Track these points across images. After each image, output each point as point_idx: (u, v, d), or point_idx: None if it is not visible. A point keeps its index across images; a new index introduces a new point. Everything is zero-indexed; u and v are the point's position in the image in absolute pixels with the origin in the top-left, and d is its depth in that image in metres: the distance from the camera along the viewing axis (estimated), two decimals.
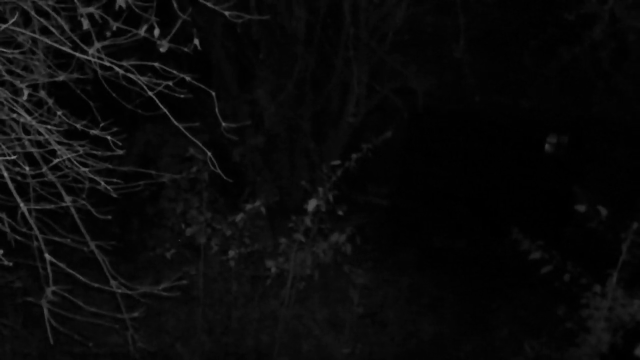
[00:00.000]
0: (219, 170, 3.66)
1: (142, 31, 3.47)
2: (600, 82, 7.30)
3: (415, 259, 9.44)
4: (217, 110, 3.49)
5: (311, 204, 5.04)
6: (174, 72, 3.43)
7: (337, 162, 5.09)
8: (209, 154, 3.57)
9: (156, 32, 3.46)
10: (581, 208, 5.65)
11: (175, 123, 3.54)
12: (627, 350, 5.20)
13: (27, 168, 3.31)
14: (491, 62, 8.13)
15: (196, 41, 3.62)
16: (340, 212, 5.21)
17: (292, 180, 7.47)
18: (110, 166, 3.52)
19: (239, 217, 5.19)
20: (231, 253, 5.22)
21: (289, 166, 8.38)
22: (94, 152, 3.26)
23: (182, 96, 3.44)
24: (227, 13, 3.47)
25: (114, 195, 3.57)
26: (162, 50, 3.59)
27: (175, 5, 3.20)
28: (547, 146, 12.68)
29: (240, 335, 5.82)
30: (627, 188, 8.45)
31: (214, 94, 3.50)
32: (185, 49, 3.64)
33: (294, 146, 8.51)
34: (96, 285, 3.61)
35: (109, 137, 3.18)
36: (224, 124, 3.53)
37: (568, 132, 11.91)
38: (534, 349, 5.68)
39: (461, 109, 10.06)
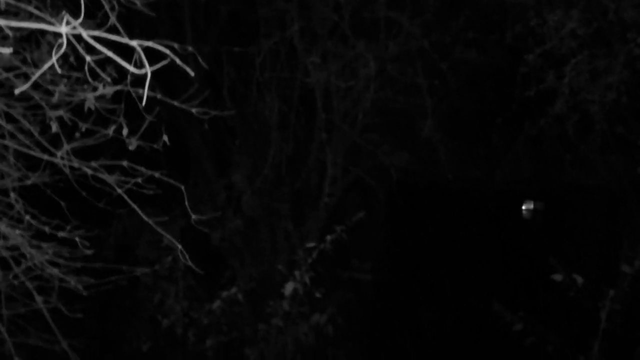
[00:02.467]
0: (189, 263, 3.68)
1: (110, 131, 3.57)
2: (568, 153, 7.51)
3: (401, 336, 9.33)
4: (186, 202, 3.55)
5: (288, 288, 5.04)
6: (142, 169, 3.52)
7: (312, 245, 5.14)
8: (180, 247, 3.60)
9: (125, 131, 3.57)
10: (557, 277, 5.71)
11: (145, 218, 3.60)
12: None
13: None
14: (461, 140, 8.36)
15: (165, 138, 3.72)
16: (317, 294, 5.20)
17: (271, 264, 7.48)
18: (79, 265, 3.53)
19: (216, 304, 5.16)
20: (209, 342, 5.15)
21: (269, 249, 8.40)
22: (63, 253, 3.27)
23: (151, 192, 3.51)
24: (193, 110, 3.60)
25: (84, 294, 3.57)
26: (131, 148, 3.69)
27: (141, 107, 3.32)
28: (524, 212, 12.83)
29: None
30: (602, 255, 8.54)
31: (183, 187, 3.57)
32: (155, 146, 3.74)
33: (273, 229, 8.56)
34: None
35: (77, 239, 3.21)
36: (193, 216, 3.58)
37: (544, 199, 12.10)
38: None
39: (437, 183, 10.23)
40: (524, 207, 12.96)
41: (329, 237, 5.23)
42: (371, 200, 10.51)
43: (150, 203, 4.21)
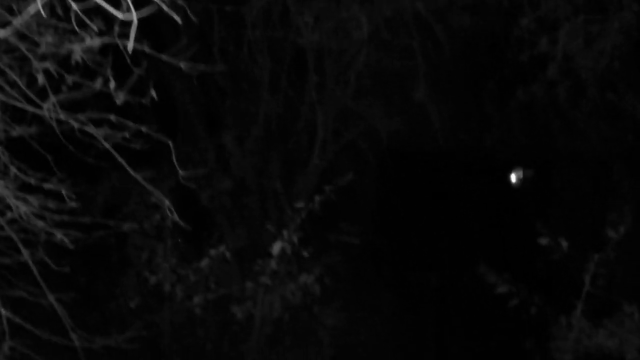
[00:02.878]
0: (177, 218, 3.68)
1: (98, 84, 3.53)
2: (558, 120, 7.51)
3: (389, 298, 9.45)
4: (174, 158, 3.52)
5: (276, 247, 5.07)
6: (130, 123, 3.49)
7: (300, 205, 5.15)
8: (167, 202, 3.60)
9: (112, 85, 3.52)
10: (543, 241, 5.78)
11: (132, 172, 3.58)
12: None
13: None
14: (453, 104, 8.33)
15: (153, 93, 3.68)
16: (305, 254, 5.24)
17: (260, 224, 7.50)
18: (65, 219, 3.52)
19: (204, 262, 5.19)
20: (196, 299, 5.20)
21: (258, 210, 8.41)
22: (49, 205, 3.26)
23: (138, 147, 3.49)
24: (182, 64, 3.55)
25: (71, 247, 3.57)
26: (118, 102, 3.65)
27: (128, 60, 3.27)
28: (513, 179, 12.88)
29: None
30: (589, 221, 8.61)
31: (170, 143, 3.55)
32: (143, 101, 3.70)
33: (262, 190, 8.56)
34: (55, 339, 3.58)
35: (63, 191, 3.20)
36: (181, 172, 3.57)
37: (533, 166, 12.13)
38: None
39: (428, 148, 10.23)
40: (513, 175, 13.01)
41: (317, 198, 5.24)
42: (362, 165, 10.53)
43: (139, 162, 4.19)
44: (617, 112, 6.92)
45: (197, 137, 8.62)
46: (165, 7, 1.96)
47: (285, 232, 5.10)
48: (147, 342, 6.33)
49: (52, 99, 3.28)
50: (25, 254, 3.57)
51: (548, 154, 9.74)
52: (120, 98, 3.64)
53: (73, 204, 3.38)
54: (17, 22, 1.90)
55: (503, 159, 10.89)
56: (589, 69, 6.31)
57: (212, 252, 5.23)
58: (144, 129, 3.47)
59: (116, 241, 7.78)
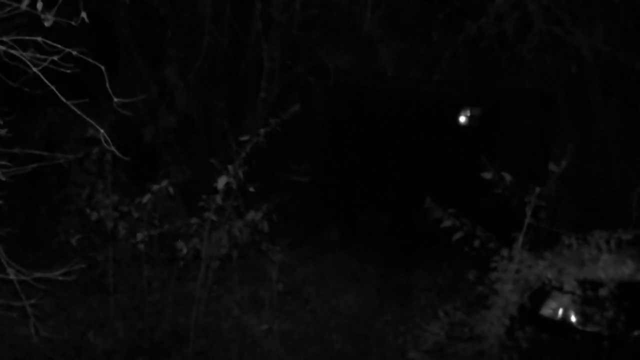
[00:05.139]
0: (113, 149, 3.51)
1: (23, 5, 3.27)
2: (505, 54, 7.50)
3: (338, 235, 9.53)
4: (107, 84, 3.33)
5: (221, 182, 4.95)
6: (59, 46, 3.26)
7: (245, 138, 5.01)
8: (102, 131, 3.42)
9: (39, 5, 3.27)
10: (487, 176, 5.81)
11: (64, 100, 3.38)
12: (534, 310, 5.41)
13: None
14: (402, 38, 8.21)
15: (83, 14, 3.44)
16: (251, 189, 5.14)
17: (205, 159, 7.33)
18: None
19: (146, 198, 5.04)
20: (139, 236, 5.07)
21: (204, 147, 8.23)
22: None
23: (68, 71, 3.27)
24: None
25: (3, 179, 3.37)
26: (46, 24, 3.40)
27: None
28: (462, 119, 13.01)
29: (156, 320, 5.69)
30: (534, 155, 8.78)
31: (103, 68, 3.34)
32: (73, 23, 3.46)
33: (208, 127, 8.36)
34: None
35: None
36: (115, 99, 3.38)
37: (481, 104, 12.25)
38: (447, 315, 5.82)
39: (377, 84, 10.15)
40: (461, 115, 13.13)
41: (262, 130, 5.11)
42: (311, 101, 10.39)
43: (77, 96, 3.97)
44: (561, 45, 6.94)
45: (138, 70, 8.29)
46: None
47: (230, 167, 4.96)
48: (91, 279, 6.23)
49: None
50: None
51: (496, 90, 9.81)
52: (48, 20, 3.40)
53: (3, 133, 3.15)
54: None
55: (451, 96, 10.94)
56: (536, 1, 6.26)
57: (154, 187, 5.07)
58: (74, 52, 3.23)
59: (57, 179, 7.54)
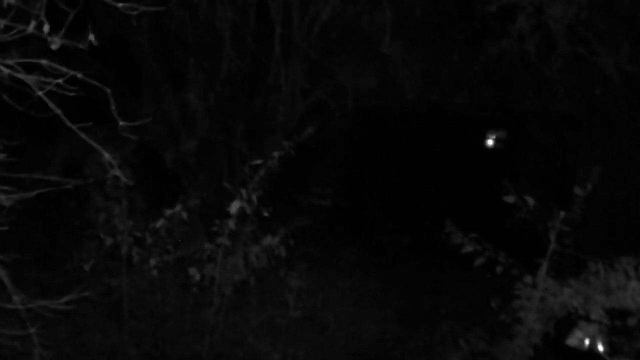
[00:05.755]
0: (119, 173, 3.46)
1: (31, 27, 3.26)
2: (528, 75, 7.35)
3: (359, 258, 9.38)
4: (112, 107, 3.29)
5: (234, 206, 4.88)
6: (64, 69, 3.24)
7: (258, 162, 4.94)
8: (106, 155, 3.37)
9: (46, 28, 3.25)
10: (510, 199, 5.65)
11: (70, 125, 3.35)
12: (559, 339, 5.20)
13: None
14: (422, 60, 8.12)
15: (92, 37, 3.42)
16: (265, 214, 5.05)
17: (219, 183, 7.30)
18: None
19: (159, 223, 4.99)
20: (152, 262, 5.01)
21: (224, 170, 8.20)
22: None
23: (72, 94, 3.24)
24: (119, 5, 3.29)
25: (6, 205, 3.34)
26: (53, 47, 3.39)
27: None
28: (490, 143, 12.82)
29: (170, 347, 5.60)
30: (558, 178, 8.55)
31: (109, 91, 3.30)
32: (80, 46, 3.44)
33: (229, 150, 8.34)
34: None
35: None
36: (121, 122, 3.34)
37: (506, 126, 12.06)
38: (469, 344, 5.63)
39: (398, 107, 10.05)
40: (488, 138, 12.95)
41: (276, 154, 5.03)
42: (333, 125, 10.33)
43: (99, 121, 3.96)
44: (586, 65, 6.77)
45: (160, 96, 8.34)
46: None
47: (243, 191, 4.89)
48: (106, 305, 6.19)
49: None
50: None
51: (518, 113, 9.64)
52: (56, 43, 3.39)
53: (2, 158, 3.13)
54: None
55: (473, 117, 10.79)
56: (557, 20, 6.11)
57: (168, 212, 5.02)
58: (79, 75, 3.20)
59: (78, 203, 7.58)
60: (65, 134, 7.63)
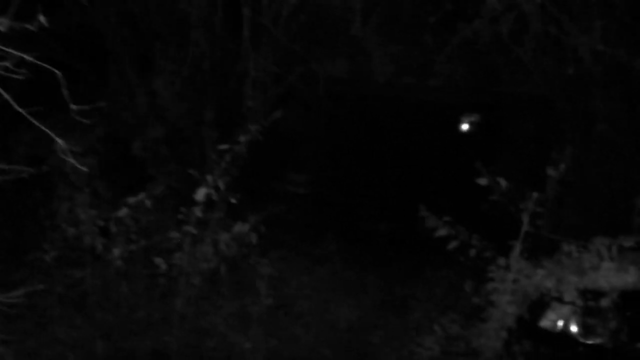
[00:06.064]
0: (75, 161, 3.31)
1: None
2: (502, 57, 7.29)
3: (335, 245, 9.29)
4: (64, 90, 3.13)
5: (200, 193, 4.74)
6: (12, 51, 3.07)
7: (224, 147, 4.81)
8: (60, 142, 3.22)
9: None
10: (482, 182, 5.61)
11: (19, 110, 3.19)
12: (533, 321, 5.17)
13: None
14: (395, 43, 8.01)
15: (41, 18, 3.25)
16: (233, 200, 4.93)
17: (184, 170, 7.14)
18: None
19: (123, 212, 4.84)
20: (116, 252, 4.86)
21: (194, 158, 8.03)
22: None
23: (21, 78, 3.08)
24: None
25: None
26: (1, 28, 3.23)
27: None
28: (463, 126, 12.77)
29: (138, 339, 5.46)
30: (533, 160, 8.52)
31: (60, 73, 3.14)
32: (30, 27, 3.27)
33: (198, 137, 8.17)
34: None
35: None
36: (73, 106, 3.18)
37: (479, 109, 12.02)
38: (443, 328, 5.58)
39: (372, 91, 9.95)
40: (463, 122, 12.90)
41: (242, 138, 4.90)
42: (307, 111, 10.20)
43: (63, 109, 3.79)
44: (559, 46, 6.71)
45: (128, 82, 8.14)
46: None
47: (209, 177, 4.76)
48: (71, 298, 6.02)
49: None
50: None
51: (492, 95, 9.59)
52: (3, 24, 3.23)
53: None
54: None
55: (448, 101, 10.73)
56: (532, 2, 6.04)
57: (131, 200, 4.87)
58: (27, 57, 3.04)
59: (44, 194, 7.38)
60: (29, 122, 7.45)
